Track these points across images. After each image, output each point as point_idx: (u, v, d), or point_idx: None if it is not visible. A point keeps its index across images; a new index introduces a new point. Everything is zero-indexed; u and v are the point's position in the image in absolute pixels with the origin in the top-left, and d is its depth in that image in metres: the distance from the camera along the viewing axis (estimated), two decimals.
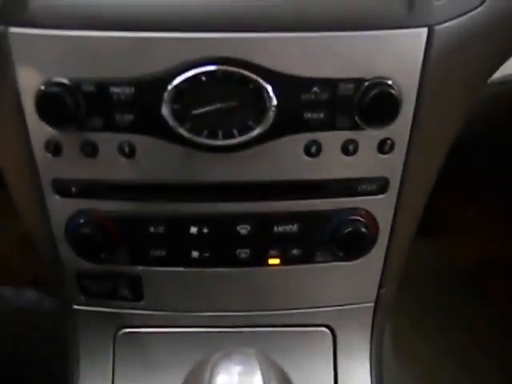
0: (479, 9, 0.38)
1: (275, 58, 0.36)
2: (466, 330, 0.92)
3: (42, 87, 0.36)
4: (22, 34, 0.36)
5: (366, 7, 0.36)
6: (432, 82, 0.39)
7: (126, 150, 0.39)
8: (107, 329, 0.52)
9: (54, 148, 0.39)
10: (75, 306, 0.51)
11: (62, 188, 0.41)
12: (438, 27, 0.37)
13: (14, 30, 0.36)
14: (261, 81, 0.36)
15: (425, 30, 0.37)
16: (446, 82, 0.41)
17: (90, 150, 0.39)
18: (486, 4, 0.39)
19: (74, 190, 0.41)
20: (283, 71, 0.36)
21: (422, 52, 0.38)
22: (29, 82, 0.37)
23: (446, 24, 0.38)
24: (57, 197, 0.42)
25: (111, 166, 0.40)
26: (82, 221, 0.42)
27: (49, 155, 0.40)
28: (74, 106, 0.36)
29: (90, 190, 0.41)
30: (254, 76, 0.36)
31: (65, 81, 0.36)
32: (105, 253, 0.43)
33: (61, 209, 0.42)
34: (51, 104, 0.36)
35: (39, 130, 0.39)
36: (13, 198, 0.45)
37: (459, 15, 0.38)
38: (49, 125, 0.37)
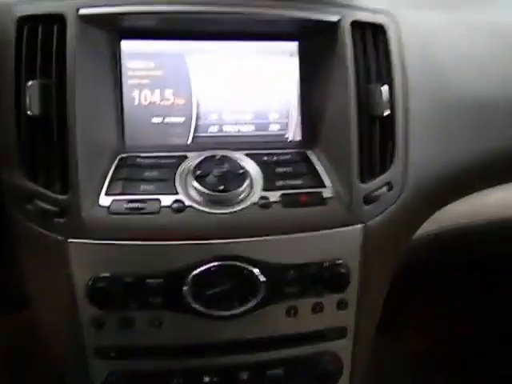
0: (392, 207, 0.58)
1: (262, 253, 0.52)
2: None
3: (91, 281, 0.50)
4: (78, 243, 0.50)
5: (322, 215, 0.54)
6: (369, 256, 0.56)
7: (156, 322, 0.52)
8: None
9: (98, 323, 0.52)
10: None
11: (102, 353, 0.53)
12: (368, 222, 0.56)
13: (72, 240, 0.50)
14: (252, 268, 0.51)
15: (360, 226, 0.55)
16: (378, 252, 0.58)
17: (127, 324, 0.52)
18: (397, 203, 0.58)
19: (112, 354, 0.53)
20: (268, 261, 0.52)
21: (360, 239, 0.55)
22: (81, 276, 0.51)
23: (374, 219, 0.56)
24: (97, 359, 0.53)
25: (143, 335, 0.52)
26: (115, 378, 0.54)
27: (93, 329, 0.52)
28: (117, 294, 0.50)
29: (125, 353, 0.53)
30: (248, 266, 0.51)
31: (109, 275, 0.50)
32: None
33: (100, 368, 0.54)
34: (99, 293, 0.50)
35: (87, 311, 0.51)
36: (57, 361, 0.56)
37: (380, 213, 0.57)
38: (96, 307, 0.50)
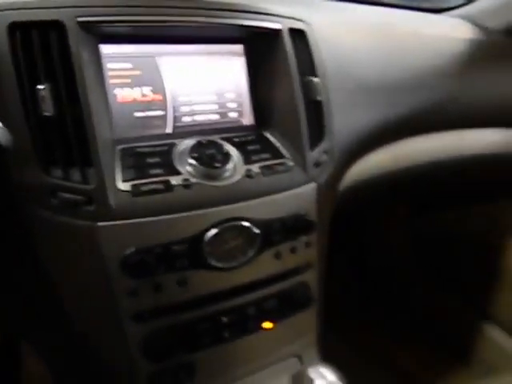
0: (330, 167, 0.78)
1: (255, 212, 0.66)
2: None
3: (125, 256, 0.58)
4: (108, 225, 0.57)
5: (289, 179, 0.71)
6: (320, 206, 0.75)
7: (182, 281, 0.62)
8: None
9: (133, 292, 0.60)
10: None
11: (138, 317, 0.61)
12: (318, 181, 0.75)
13: (101, 223, 0.57)
14: (251, 225, 0.66)
15: (315, 184, 0.74)
16: (325, 202, 0.78)
17: (159, 287, 0.61)
18: (333, 164, 0.78)
19: (147, 316, 0.61)
20: (260, 218, 0.67)
21: (315, 194, 0.74)
22: (114, 253, 0.58)
23: (321, 179, 0.75)
24: (133, 324, 0.61)
25: (172, 294, 0.62)
26: (151, 336, 0.62)
27: (129, 298, 0.60)
28: (150, 263, 0.59)
29: (159, 313, 0.62)
30: (248, 224, 0.65)
31: (141, 248, 0.58)
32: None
33: (136, 331, 0.62)
34: (134, 265, 0.58)
35: (122, 283, 0.59)
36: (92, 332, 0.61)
37: (324, 173, 0.76)
38: (131, 279, 0.58)
